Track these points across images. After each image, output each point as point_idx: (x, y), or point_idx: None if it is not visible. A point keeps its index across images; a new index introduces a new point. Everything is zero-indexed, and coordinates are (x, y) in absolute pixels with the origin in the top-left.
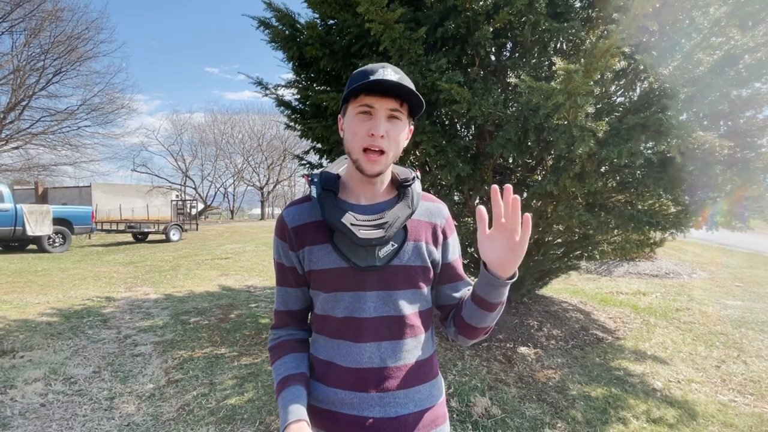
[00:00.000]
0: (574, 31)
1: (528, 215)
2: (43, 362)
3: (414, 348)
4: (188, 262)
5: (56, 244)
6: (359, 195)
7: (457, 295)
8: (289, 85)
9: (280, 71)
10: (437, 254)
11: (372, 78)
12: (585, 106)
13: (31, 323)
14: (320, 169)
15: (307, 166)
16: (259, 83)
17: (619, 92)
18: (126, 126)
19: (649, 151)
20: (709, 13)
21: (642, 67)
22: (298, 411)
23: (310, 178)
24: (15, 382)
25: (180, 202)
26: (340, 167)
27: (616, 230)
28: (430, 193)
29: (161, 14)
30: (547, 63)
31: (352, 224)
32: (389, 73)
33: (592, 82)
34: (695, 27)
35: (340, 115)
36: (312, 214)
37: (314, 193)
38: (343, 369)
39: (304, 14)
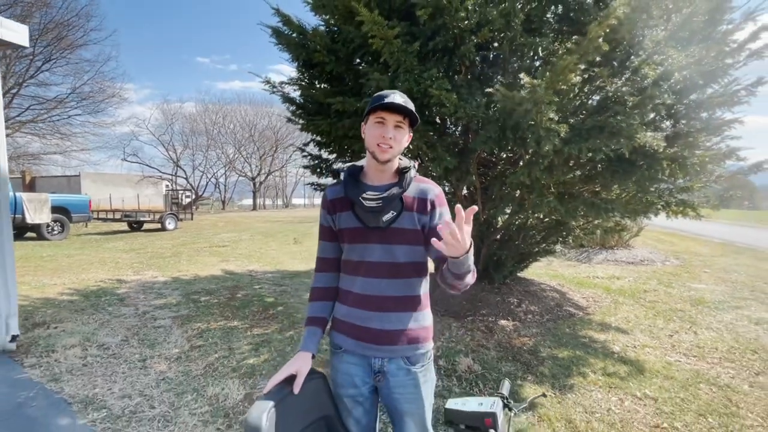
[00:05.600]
0: (546, 44)
1: (474, 208)
2: (75, 332)
3: (405, 286)
4: (188, 250)
5: (55, 232)
6: (373, 178)
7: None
8: (291, 82)
9: (271, 60)
10: (426, 219)
11: (386, 101)
12: (548, 112)
13: (53, 301)
14: (348, 164)
15: (309, 157)
16: (268, 82)
17: (583, 96)
18: (116, 115)
19: (609, 149)
20: (653, 35)
21: (600, 78)
22: (309, 344)
23: (341, 170)
24: (55, 347)
25: (174, 192)
26: (364, 161)
27: (583, 216)
28: None
29: (153, 3)
30: (523, 72)
31: (362, 198)
32: (397, 97)
33: (553, 92)
34: (641, 46)
35: (363, 123)
36: (342, 191)
37: (342, 178)
38: (356, 294)
39: (304, 18)
